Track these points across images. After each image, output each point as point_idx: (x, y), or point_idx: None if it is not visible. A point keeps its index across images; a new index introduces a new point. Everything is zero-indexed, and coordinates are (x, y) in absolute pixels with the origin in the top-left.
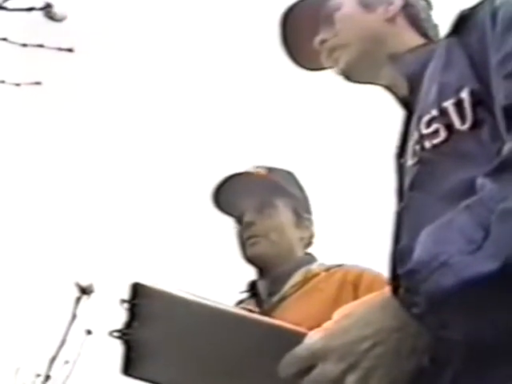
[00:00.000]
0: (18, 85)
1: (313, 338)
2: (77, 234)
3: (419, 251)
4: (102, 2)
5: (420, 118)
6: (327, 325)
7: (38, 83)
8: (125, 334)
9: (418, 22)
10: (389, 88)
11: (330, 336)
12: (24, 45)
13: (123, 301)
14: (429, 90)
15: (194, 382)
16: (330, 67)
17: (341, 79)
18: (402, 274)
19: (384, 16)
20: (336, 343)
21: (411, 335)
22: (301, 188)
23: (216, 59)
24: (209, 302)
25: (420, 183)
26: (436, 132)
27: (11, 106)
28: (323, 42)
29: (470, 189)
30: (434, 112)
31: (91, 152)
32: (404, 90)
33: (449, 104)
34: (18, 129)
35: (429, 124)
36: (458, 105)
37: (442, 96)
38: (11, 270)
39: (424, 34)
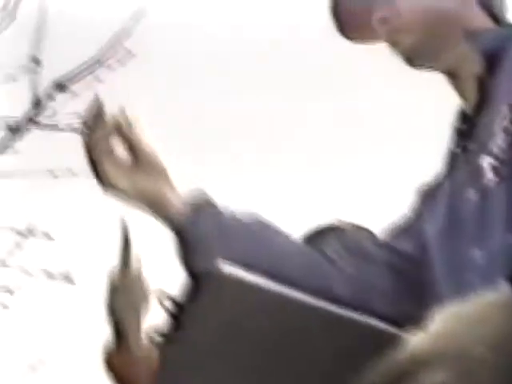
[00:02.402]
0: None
1: (414, 340)
2: None
3: None
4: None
5: None
6: (430, 326)
7: None
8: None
9: (489, 2)
10: (450, 73)
11: (436, 338)
12: None
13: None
14: None
15: None
16: (383, 41)
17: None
18: None
19: None
20: (444, 347)
21: None
22: None
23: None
24: (294, 294)
25: None
26: None
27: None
28: (384, 20)
29: None
30: None
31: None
32: (477, 69)
33: None
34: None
35: None
36: None
37: None
38: None
39: (494, 18)
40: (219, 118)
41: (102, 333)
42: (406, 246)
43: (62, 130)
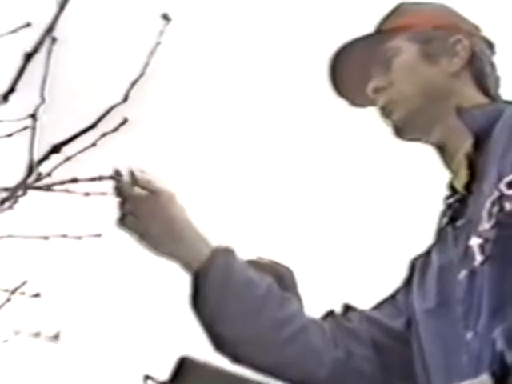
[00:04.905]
0: (79, 238)
1: None
2: None
3: None
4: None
5: (500, 179)
6: None
7: (98, 235)
8: None
9: (483, 78)
10: (439, 146)
11: None
12: (87, 194)
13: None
14: (507, 150)
15: None
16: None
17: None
18: None
19: (448, 70)
20: None
21: None
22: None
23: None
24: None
25: (500, 250)
26: None
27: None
28: (377, 90)
29: None
30: None
31: None
32: (466, 147)
33: None
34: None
35: (511, 185)
36: None
37: None
38: None
39: (486, 93)
40: (219, 184)
41: None
42: (395, 322)
43: (56, 192)
